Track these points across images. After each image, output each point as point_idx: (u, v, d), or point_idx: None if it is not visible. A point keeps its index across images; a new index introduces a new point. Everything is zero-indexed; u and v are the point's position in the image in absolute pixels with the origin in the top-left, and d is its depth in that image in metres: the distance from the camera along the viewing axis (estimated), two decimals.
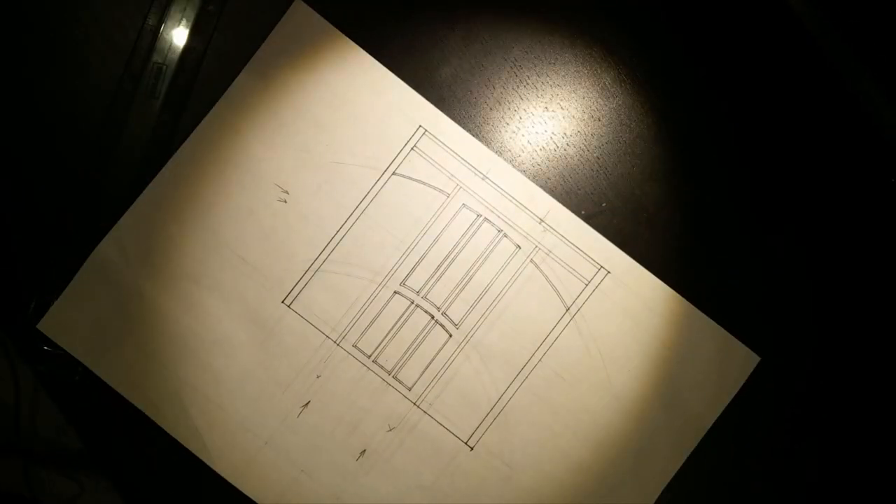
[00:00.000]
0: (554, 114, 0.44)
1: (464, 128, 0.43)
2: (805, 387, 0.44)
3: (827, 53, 0.44)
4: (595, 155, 0.44)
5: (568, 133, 0.44)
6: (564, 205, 0.43)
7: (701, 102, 0.44)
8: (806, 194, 0.44)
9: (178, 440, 0.42)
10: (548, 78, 0.44)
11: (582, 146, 0.44)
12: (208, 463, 0.42)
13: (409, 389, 0.43)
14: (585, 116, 0.44)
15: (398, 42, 0.44)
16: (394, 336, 0.43)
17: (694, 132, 0.44)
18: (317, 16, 0.44)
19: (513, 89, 0.44)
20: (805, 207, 0.44)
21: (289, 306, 0.43)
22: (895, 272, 0.44)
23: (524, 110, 0.44)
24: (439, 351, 0.43)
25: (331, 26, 0.44)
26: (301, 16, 0.44)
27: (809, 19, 0.43)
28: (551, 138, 0.44)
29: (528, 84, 0.44)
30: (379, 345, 0.43)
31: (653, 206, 0.44)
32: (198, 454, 0.42)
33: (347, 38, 0.44)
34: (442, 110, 0.43)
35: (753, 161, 0.44)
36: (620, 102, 0.44)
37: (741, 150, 0.44)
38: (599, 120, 0.44)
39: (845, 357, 0.44)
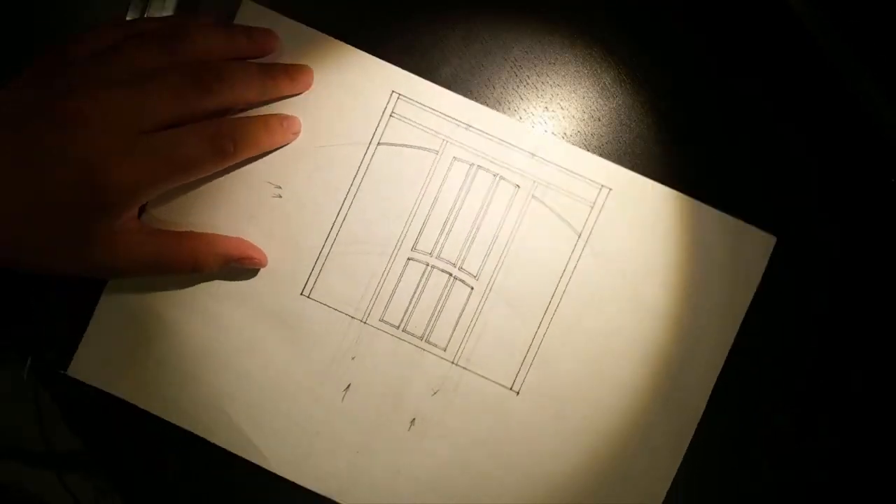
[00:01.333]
0: (554, 114, 0.44)
1: None
2: (805, 387, 0.44)
3: (827, 53, 0.44)
4: (595, 155, 0.44)
5: (568, 133, 0.44)
6: None
7: (701, 102, 0.44)
8: (805, 194, 0.44)
9: (233, 451, 0.42)
10: (548, 78, 0.44)
11: (582, 146, 0.44)
12: (266, 466, 0.42)
13: (444, 350, 0.43)
14: (585, 116, 0.44)
15: (398, 42, 0.44)
16: (417, 302, 0.43)
17: (694, 132, 0.44)
18: (267, 10, 0.44)
19: (513, 89, 0.44)
20: (804, 207, 0.44)
21: (308, 297, 0.43)
22: (895, 272, 0.44)
23: (524, 110, 0.44)
24: (465, 305, 0.43)
25: (283, 17, 0.44)
26: (251, 13, 0.44)
27: (809, 19, 0.43)
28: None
29: (528, 84, 0.44)
30: (405, 313, 0.43)
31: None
32: (254, 460, 0.42)
33: (300, 24, 0.44)
34: None
35: (753, 160, 0.44)
36: (620, 102, 0.44)
37: (741, 149, 0.44)
38: (599, 120, 0.44)
39: (845, 358, 0.44)
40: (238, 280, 0.43)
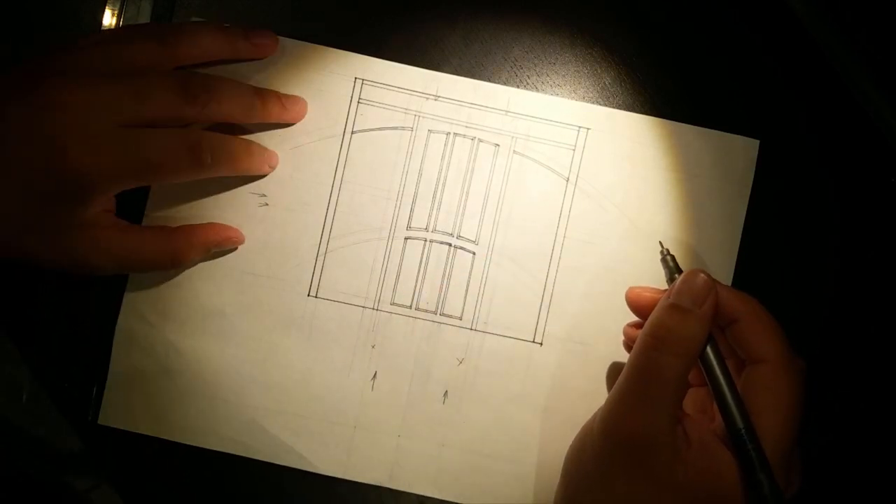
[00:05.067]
0: None
1: None
2: (807, 384, 0.44)
3: (827, 54, 0.44)
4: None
5: None
6: None
7: (701, 103, 0.44)
8: (804, 194, 0.44)
9: (278, 463, 0.42)
10: (548, 78, 0.44)
11: None
12: (313, 470, 0.42)
13: (460, 318, 0.43)
14: None
15: (398, 42, 0.44)
16: (423, 278, 0.43)
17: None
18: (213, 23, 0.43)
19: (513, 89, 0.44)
20: (804, 207, 0.44)
21: (315, 297, 0.43)
22: (895, 272, 0.44)
23: None
24: (471, 271, 0.43)
25: (229, 26, 0.43)
26: None
27: (809, 19, 0.43)
28: None
29: (528, 84, 0.44)
30: (414, 292, 0.43)
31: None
32: (300, 467, 0.42)
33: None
34: None
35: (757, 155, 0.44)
36: (620, 102, 0.44)
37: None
38: None
39: (846, 358, 0.44)
40: (244, 294, 0.43)
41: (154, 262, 0.40)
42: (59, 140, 0.35)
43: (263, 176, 0.43)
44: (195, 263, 0.42)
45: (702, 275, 0.34)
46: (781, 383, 0.33)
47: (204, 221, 0.42)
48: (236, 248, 0.43)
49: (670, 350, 0.33)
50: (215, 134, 0.40)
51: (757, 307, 0.35)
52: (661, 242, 0.40)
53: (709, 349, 0.34)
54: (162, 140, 0.37)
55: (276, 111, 0.42)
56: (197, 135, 0.39)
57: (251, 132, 0.43)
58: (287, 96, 0.42)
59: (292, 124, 0.43)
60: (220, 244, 0.42)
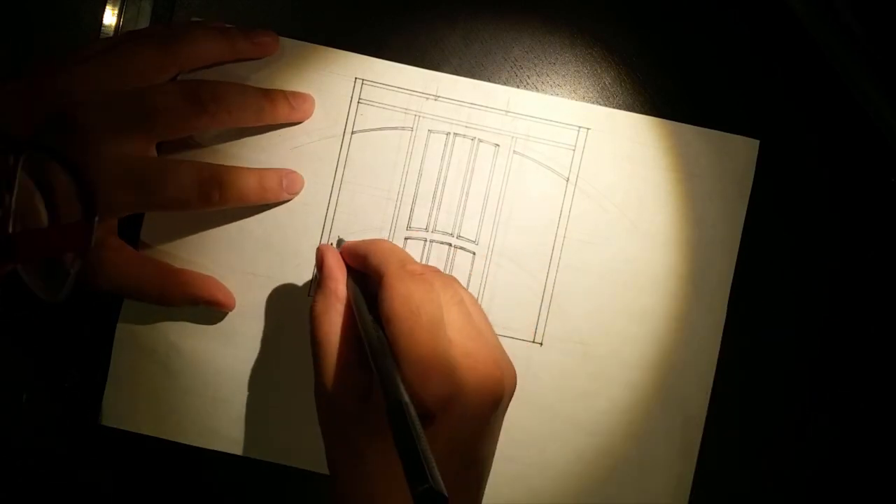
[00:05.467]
0: None
1: None
2: (806, 388, 0.44)
3: (827, 54, 0.44)
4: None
5: None
6: None
7: (701, 103, 0.44)
8: (804, 194, 0.44)
9: (278, 463, 0.42)
10: (548, 78, 0.44)
11: None
12: (314, 470, 0.42)
13: None
14: None
15: (398, 42, 0.44)
16: None
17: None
18: (214, 23, 0.43)
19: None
20: (804, 207, 0.44)
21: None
22: (895, 272, 0.44)
23: None
24: (471, 271, 0.43)
25: (230, 27, 0.43)
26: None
27: (809, 19, 0.43)
28: None
29: (528, 84, 0.44)
30: None
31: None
32: (300, 467, 0.42)
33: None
34: None
35: (758, 160, 0.44)
36: (620, 102, 0.44)
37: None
38: None
39: (845, 359, 0.44)
40: (245, 294, 0.43)
41: (143, 295, 0.40)
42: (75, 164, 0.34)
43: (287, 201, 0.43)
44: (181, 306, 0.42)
45: (318, 248, 0.39)
46: (390, 291, 0.34)
47: (207, 225, 0.42)
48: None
49: (324, 310, 0.37)
50: (229, 169, 0.40)
51: (377, 240, 0.39)
52: (339, 237, 0.42)
53: (352, 295, 0.37)
54: (172, 175, 0.37)
55: (285, 112, 0.42)
56: (208, 171, 0.39)
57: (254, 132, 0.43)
58: (294, 95, 0.42)
59: (300, 123, 0.43)
60: (208, 304, 0.41)
